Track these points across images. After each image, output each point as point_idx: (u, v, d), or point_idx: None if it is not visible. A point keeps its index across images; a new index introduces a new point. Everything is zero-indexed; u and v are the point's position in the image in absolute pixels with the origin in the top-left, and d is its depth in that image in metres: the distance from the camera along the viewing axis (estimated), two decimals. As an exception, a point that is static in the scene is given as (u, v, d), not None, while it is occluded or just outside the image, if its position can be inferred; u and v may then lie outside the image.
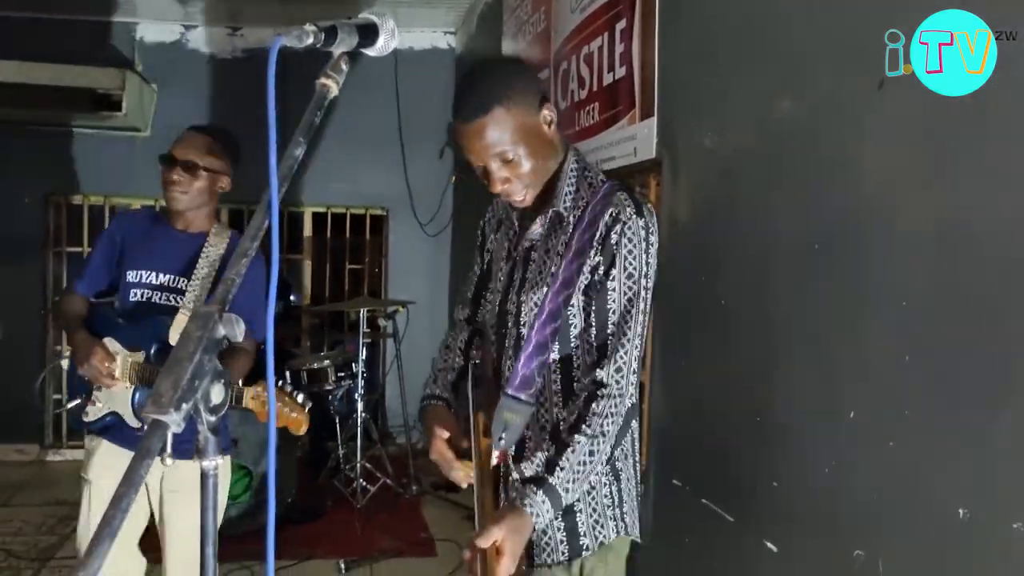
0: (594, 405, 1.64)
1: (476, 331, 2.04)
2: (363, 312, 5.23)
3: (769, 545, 1.85)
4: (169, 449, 0.78)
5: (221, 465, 2.63)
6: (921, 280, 1.43)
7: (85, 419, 2.51)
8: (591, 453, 1.61)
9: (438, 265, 6.30)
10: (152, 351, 2.42)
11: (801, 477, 1.76)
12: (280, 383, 2.18)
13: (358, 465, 5.02)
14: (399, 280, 6.34)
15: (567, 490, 1.60)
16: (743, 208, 2.07)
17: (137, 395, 2.43)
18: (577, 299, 1.69)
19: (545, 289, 1.70)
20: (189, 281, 2.49)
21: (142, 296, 2.50)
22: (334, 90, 1.02)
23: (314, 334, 6.54)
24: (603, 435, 1.62)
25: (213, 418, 0.81)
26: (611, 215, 1.66)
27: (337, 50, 1.03)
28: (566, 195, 1.73)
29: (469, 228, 5.69)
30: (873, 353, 1.54)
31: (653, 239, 1.69)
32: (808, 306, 1.76)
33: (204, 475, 0.82)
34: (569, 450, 1.61)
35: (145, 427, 2.42)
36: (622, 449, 1.77)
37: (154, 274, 2.51)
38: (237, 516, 4.04)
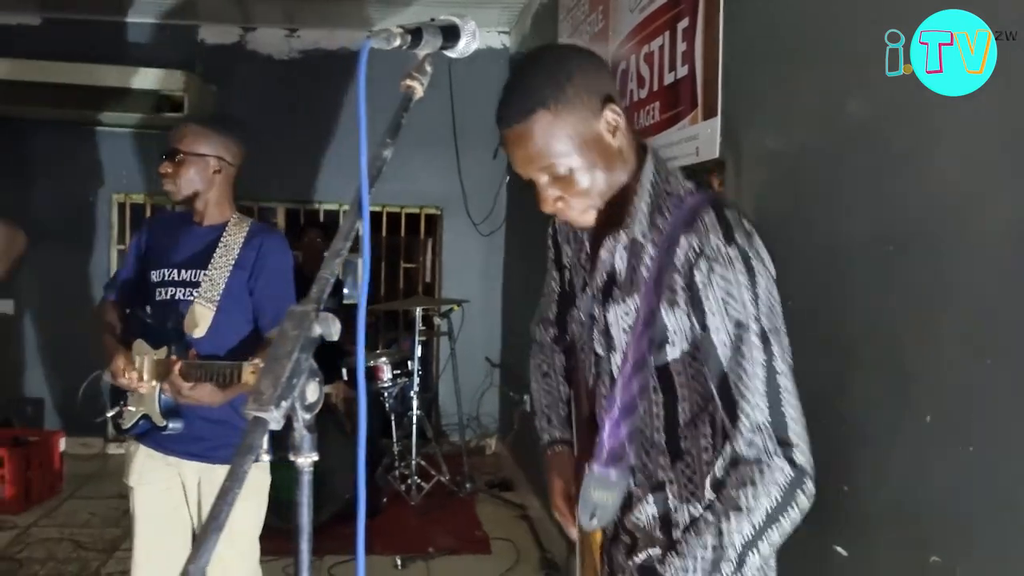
0: (729, 479, 1.32)
1: (569, 351, 1.75)
2: (418, 311, 5.27)
3: (839, 550, 1.82)
4: (267, 452, 0.79)
5: (260, 467, 2.58)
6: (1004, 280, 1.39)
7: (123, 426, 2.51)
8: (720, 533, 1.28)
9: (491, 265, 6.33)
10: (174, 346, 2.41)
11: (873, 481, 1.73)
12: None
13: (413, 463, 5.07)
14: (453, 279, 6.38)
15: None
16: (811, 208, 2.04)
17: (163, 396, 2.40)
18: (670, 335, 1.38)
19: (626, 336, 1.42)
20: (205, 272, 2.48)
21: (166, 294, 2.50)
22: (419, 92, 1.03)
23: (369, 332, 6.61)
24: (737, 509, 1.27)
25: (308, 416, 0.83)
26: (692, 248, 1.33)
27: (422, 52, 1.04)
28: (640, 214, 1.40)
29: (522, 228, 5.70)
30: (952, 355, 1.51)
31: (757, 265, 1.34)
32: (881, 307, 1.73)
33: (300, 472, 0.83)
34: (692, 531, 1.33)
35: (170, 425, 2.41)
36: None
37: (175, 271, 2.51)
38: (292, 511, 4.09)
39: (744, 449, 1.30)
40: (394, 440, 5.22)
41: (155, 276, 2.53)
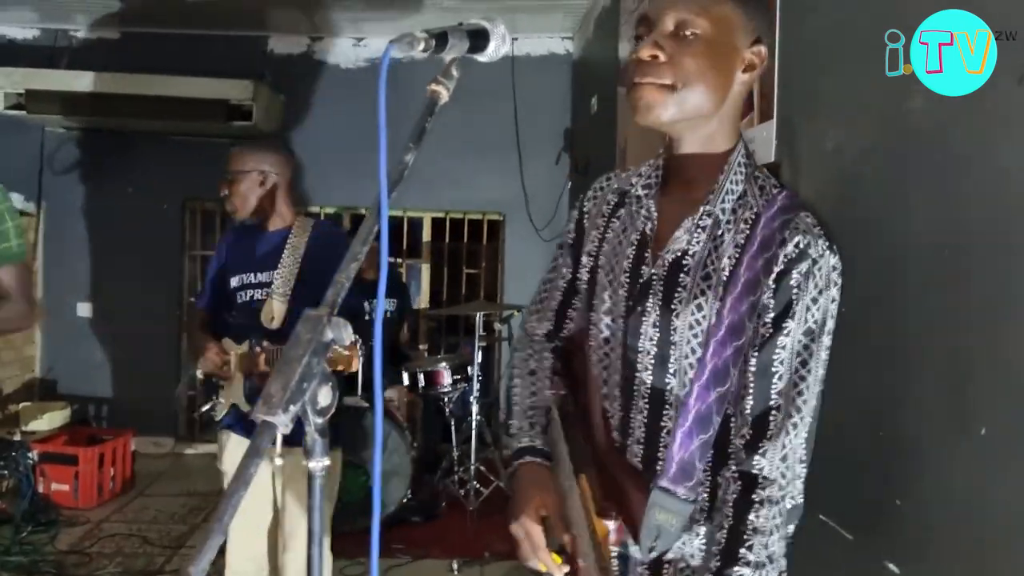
0: (752, 516, 1.24)
1: (561, 352, 1.59)
2: (479, 316, 5.28)
3: (891, 567, 1.76)
4: (280, 448, 0.79)
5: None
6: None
7: (216, 417, 2.76)
8: (764, 565, 1.24)
9: (553, 270, 6.31)
10: (252, 340, 2.63)
11: (930, 495, 1.66)
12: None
13: (472, 468, 5.07)
14: (514, 284, 6.38)
15: None
16: (866, 211, 1.98)
17: (247, 383, 2.65)
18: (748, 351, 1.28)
19: (704, 335, 1.29)
20: (277, 271, 2.71)
21: (246, 296, 2.74)
22: (444, 96, 1.02)
23: (431, 337, 6.65)
24: (770, 560, 1.24)
25: (320, 420, 0.83)
26: (797, 246, 1.26)
27: (448, 56, 1.04)
28: (727, 193, 1.32)
29: (584, 233, 5.66)
30: (1012, 364, 1.44)
31: (840, 280, 1.32)
32: (938, 313, 1.66)
33: (311, 476, 0.83)
34: (750, 568, 1.23)
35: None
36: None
37: (252, 274, 2.74)
38: (352, 513, 4.14)
39: (775, 471, 1.26)
40: (453, 445, 5.24)
41: (235, 282, 2.77)
